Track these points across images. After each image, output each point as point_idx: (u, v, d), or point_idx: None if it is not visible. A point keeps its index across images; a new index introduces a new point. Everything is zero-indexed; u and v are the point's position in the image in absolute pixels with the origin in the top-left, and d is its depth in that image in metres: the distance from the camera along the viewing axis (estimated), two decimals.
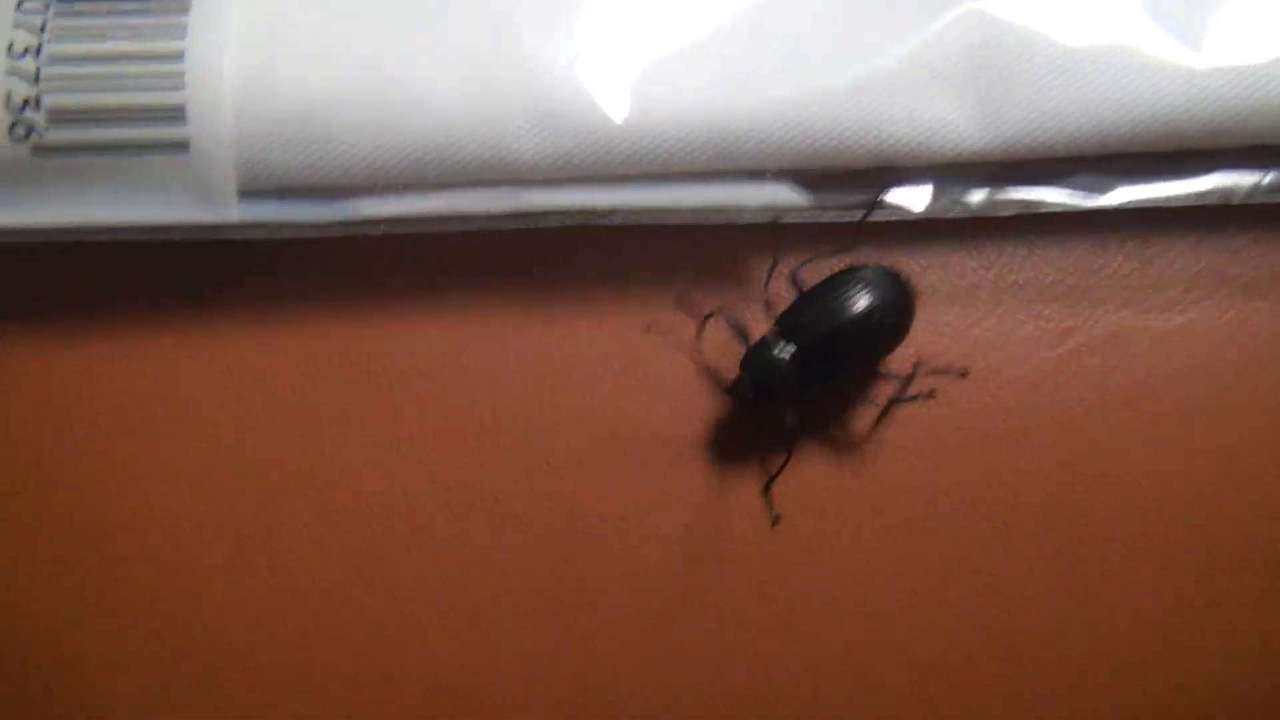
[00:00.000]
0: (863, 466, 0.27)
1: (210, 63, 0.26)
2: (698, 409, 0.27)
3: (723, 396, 0.27)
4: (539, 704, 0.26)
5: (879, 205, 0.27)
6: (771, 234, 0.27)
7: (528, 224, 0.27)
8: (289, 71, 0.26)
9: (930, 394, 0.27)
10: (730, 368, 0.27)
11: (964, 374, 0.27)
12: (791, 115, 0.26)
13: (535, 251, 0.28)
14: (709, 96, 0.26)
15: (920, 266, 0.28)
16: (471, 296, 0.28)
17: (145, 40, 0.26)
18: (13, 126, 0.25)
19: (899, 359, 0.27)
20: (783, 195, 0.26)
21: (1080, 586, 0.26)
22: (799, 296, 0.26)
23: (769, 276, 0.27)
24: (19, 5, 0.26)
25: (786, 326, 0.26)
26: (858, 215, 0.27)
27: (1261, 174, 0.26)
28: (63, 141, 0.26)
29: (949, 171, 0.27)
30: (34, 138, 0.25)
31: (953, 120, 0.26)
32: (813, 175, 0.27)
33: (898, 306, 0.26)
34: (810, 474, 0.27)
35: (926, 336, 0.28)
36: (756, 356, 0.26)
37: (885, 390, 0.27)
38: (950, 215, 0.27)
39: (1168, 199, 0.27)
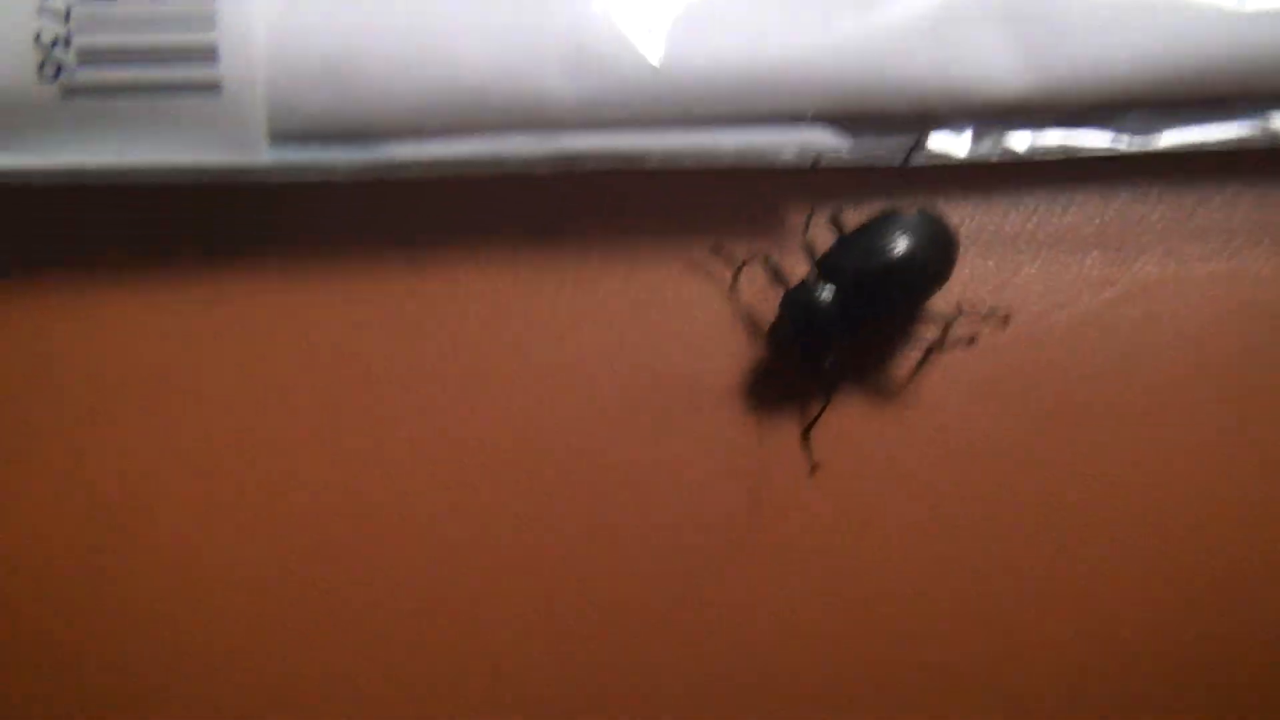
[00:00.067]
0: (903, 413, 0.27)
1: (242, 2, 0.25)
2: (735, 355, 0.27)
3: (760, 343, 0.27)
4: (571, 652, 0.25)
5: (920, 149, 0.26)
6: (810, 178, 0.27)
7: (562, 168, 0.26)
8: (321, 12, 0.25)
9: (971, 340, 0.27)
10: (767, 314, 0.27)
11: (1006, 320, 0.27)
12: (831, 57, 0.26)
13: (569, 197, 0.27)
14: (747, 38, 0.26)
15: (960, 216, 0.28)
16: (504, 243, 0.27)
17: None
18: (42, 65, 0.25)
19: (940, 305, 0.26)
20: (821, 139, 0.26)
21: (1131, 523, 0.26)
22: (839, 239, 0.26)
23: (808, 220, 0.26)
24: None
25: (827, 268, 0.26)
26: (898, 160, 0.26)
27: None
28: (92, 81, 0.25)
29: (990, 116, 0.26)
30: (63, 77, 0.25)
31: (994, 63, 0.26)
32: (852, 119, 0.26)
33: (939, 249, 0.26)
34: (850, 421, 0.26)
35: (967, 284, 0.27)
36: (797, 297, 0.25)
37: (926, 335, 0.27)
38: (991, 160, 0.26)
39: (1211, 143, 0.26)
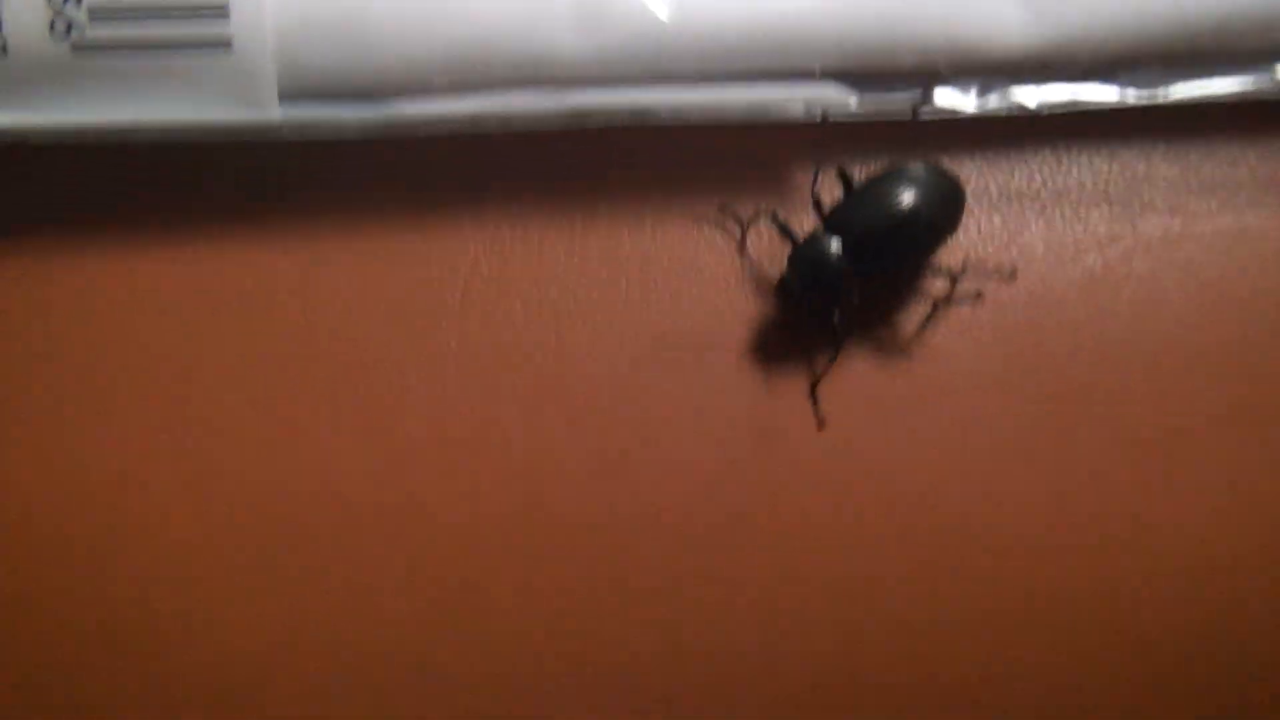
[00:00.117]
0: (910, 367, 0.27)
1: None
2: (743, 311, 0.27)
3: (768, 299, 0.27)
4: (584, 599, 0.25)
5: (927, 104, 0.26)
6: (818, 134, 0.27)
7: (572, 124, 0.26)
8: None
9: (978, 296, 0.27)
10: (775, 271, 0.27)
11: (1012, 276, 0.27)
12: (839, 13, 0.26)
13: (578, 155, 0.27)
14: None
15: (966, 174, 0.28)
16: (512, 200, 0.27)
17: None
18: (53, 23, 0.25)
19: (947, 261, 0.26)
20: (830, 95, 0.26)
21: (1137, 476, 0.26)
22: (847, 193, 0.26)
23: (816, 175, 0.26)
24: None
25: (835, 222, 0.25)
26: (905, 115, 0.26)
27: None
28: (104, 38, 0.25)
29: (997, 71, 0.26)
30: (75, 34, 0.25)
31: (1002, 19, 0.26)
32: (860, 75, 0.26)
33: (946, 201, 0.26)
34: (857, 375, 0.26)
35: (974, 242, 0.27)
36: (806, 250, 0.25)
37: (933, 291, 0.27)
38: (998, 114, 0.26)
39: (1218, 95, 0.26)
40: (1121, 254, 0.27)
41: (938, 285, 0.27)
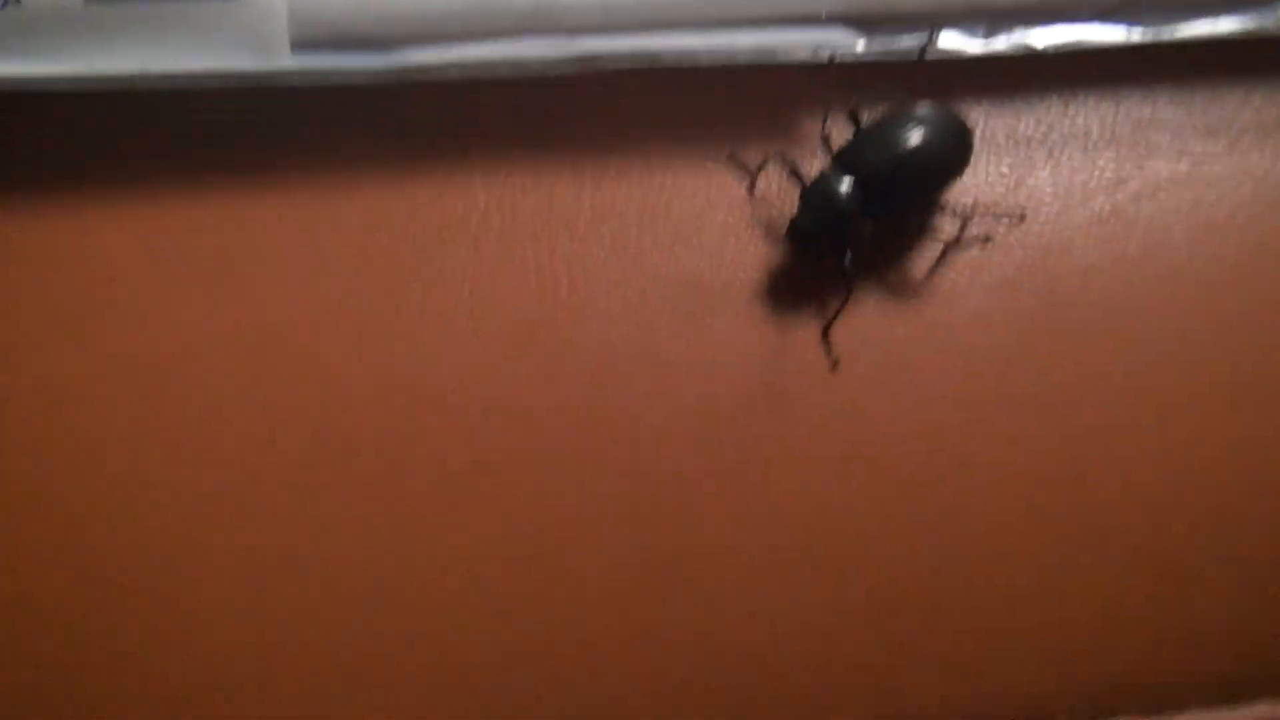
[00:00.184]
0: (920, 309, 0.26)
1: None
2: (754, 256, 0.27)
3: (778, 244, 0.27)
4: (595, 544, 0.25)
5: (933, 45, 0.26)
6: (826, 80, 0.27)
7: (580, 70, 0.26)
8: None
9: (987, 239, 0.27)
10: (785, 216, 0.27)
11: (1021, 219, 0.27)
12: None
13: (587, 103, 0.27)
14: None
15: (974, 120, 0.27)
16: (522, 149, 0.27)
17: None
18: None
19: (956, 203, 0.26)
20: (837, 38, 0.26)
21: (1145, 417, 0.26)
22: (856, 132, 0.26)
23: (826, 115, 0.26)
24: None
25: (844, 161, 0.25)
26: (911, 57, 0.26)
27: None
28: None
29: (1002, 12, 0.26)
30: None
31: None
32: (866, 17, 0.26)
33: (955, 140, 0.26)
34: (868, 318, 0.26)
35: (982, 186, 0.27)
36: (817, 189, 0.25)
37: (943, 234, 0.27)
38: (1005, 55, 0.26)
39: (1224, 33, 0.26)
40: (1129, 196, 0.27)
41: (947, 228, 0.27)
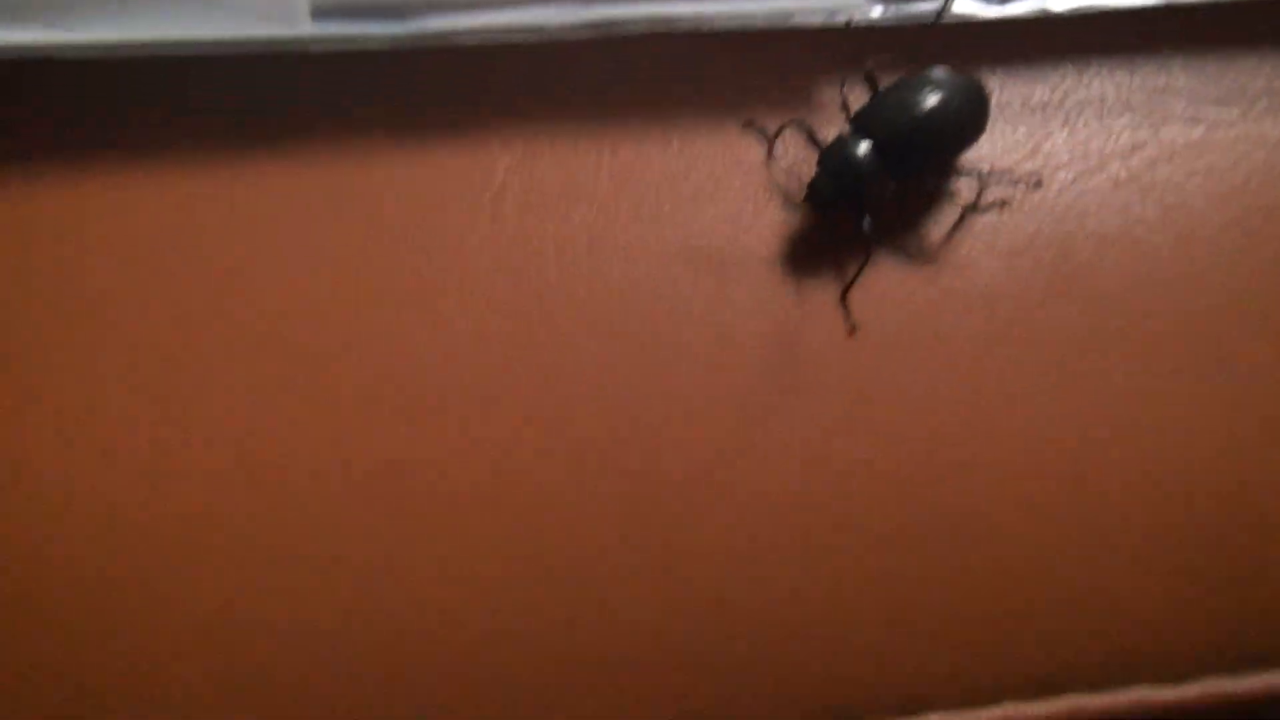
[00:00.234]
0: (938, 274, 0.26)
1: None
2: (772, 221, 0.27)
3: (796, 209, 0.27)
4: (613, 511, 0.25)
5: (948, 9, 0.26)
6: (843, 40, 0.27)
7: (598, 35, 0.26)
8: None
9: (1004, 204, 0.27)
10: (802, 182, 0.27)
11: (1037, 184, 0.27)
12: None
13: (606, 70, 0.27)
14: None
15: (990, 87, 0.27)
16: (541, 117, 0.27)
17: None
18: None
19: (973, 169, 0.26)
20: (853, 1, 0.26)
21: (1162, 382, 0.26)
22: (873, 96, 0.26)
23: (842, 79, 0.26)
24: None
25: (862, 124, 0.25)
26: (928, 20, 0.26)
27: None
28: None
29: None
30: None
31: None
32: None
33: (971, 102, 0.26)
34: (886, 282, 0.26)
35: (999, 152, 0.27)
36: (834, 152, 0.25)
37: (960, 199, 0.27)
38: (1020, 18, 0.26)
39: None
40: (1145, 162, 0.27)
41: (964, 194, 0.27)
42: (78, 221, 0.27)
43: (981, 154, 0.27)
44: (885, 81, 0.26)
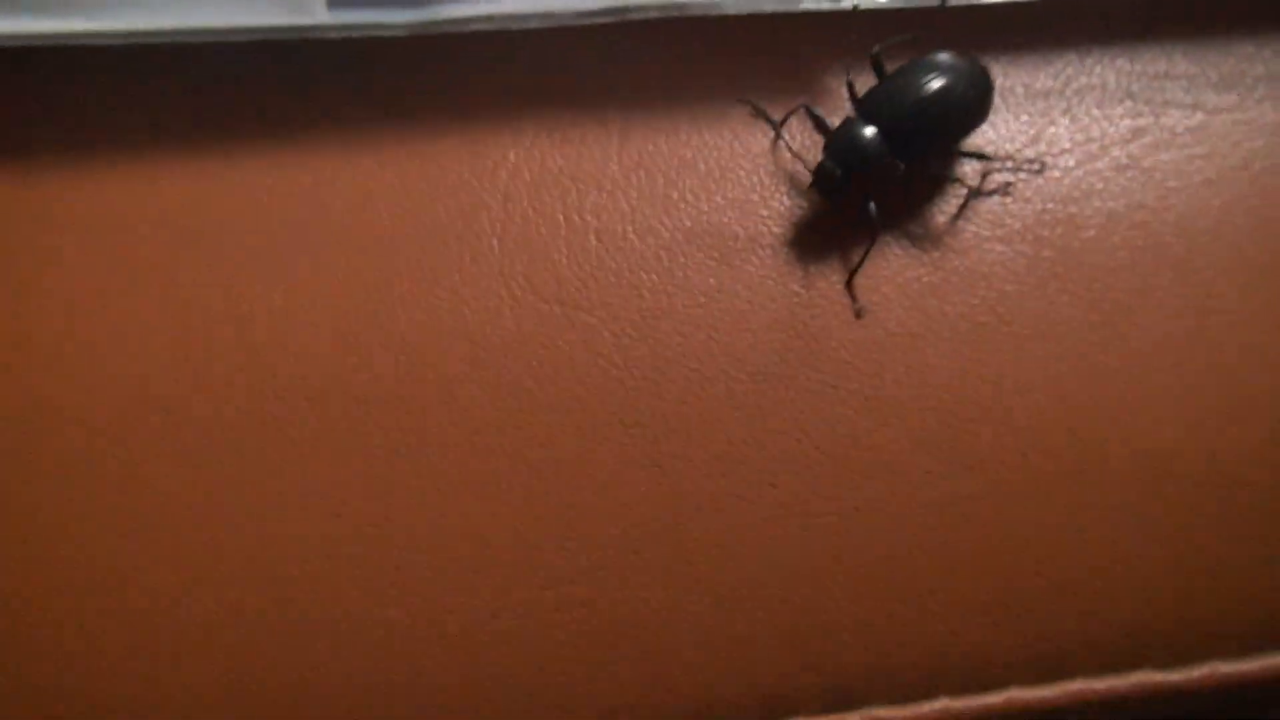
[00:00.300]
0: (943, 257, 0.27)
1: None
2: (779, 207, 0.27)
3: (803, 195, 0.27)
4: (620, 487, 0.25)
5: None
6: (850, 25, 0.27)
7: (610, 20, 0.26)
8: None
9: (1007, 188, 0.27)
10: (808, 169, 0.27)
11: (1040, 169, 0.27)
12: None
13: (615, 60, 0.28)
14: None
15: (993, 75, 0.28)
16: (551, 106, 0.27)
17: None
18: None
19: (978, 152, 0.27)
20: None
21: (1163, 361, 0.26)
22: (879, 80, 0.26)
23: (849, 64, 0.27)
24: None
25: (868, 108, 0.26)
26: (934, 3, 0.27)
27: None
28: None
29: None
30: None
31: None
32: None
33: (973, 85, 0.26)
34: (892, 267, 0.27)
35: (1003, 138, 0.27)
36: (841, 135, 0.25)
37: (963, 184, 0.27)
38: (1021, 0, 0.27)
39: None
40: (1146, 147, 0.28)
41: (968, 179, 0.27)
42: (81, 210, 0.27)
43: (985, 139, 0.27)
44: (891, 66, 0.26)
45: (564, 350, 0.26)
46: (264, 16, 0.26)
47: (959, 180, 0.27)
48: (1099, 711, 0.25)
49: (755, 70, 0.28)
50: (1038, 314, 0.26)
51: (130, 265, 0.26)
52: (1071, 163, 0.27)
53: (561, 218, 0.27)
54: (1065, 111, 0.28)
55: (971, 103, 0.26)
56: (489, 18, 0.26)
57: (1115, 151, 0.27)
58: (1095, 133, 0.28)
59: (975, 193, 0.27)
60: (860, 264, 0.26)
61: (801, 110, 0.27)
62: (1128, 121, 0.28)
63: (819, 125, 0.26)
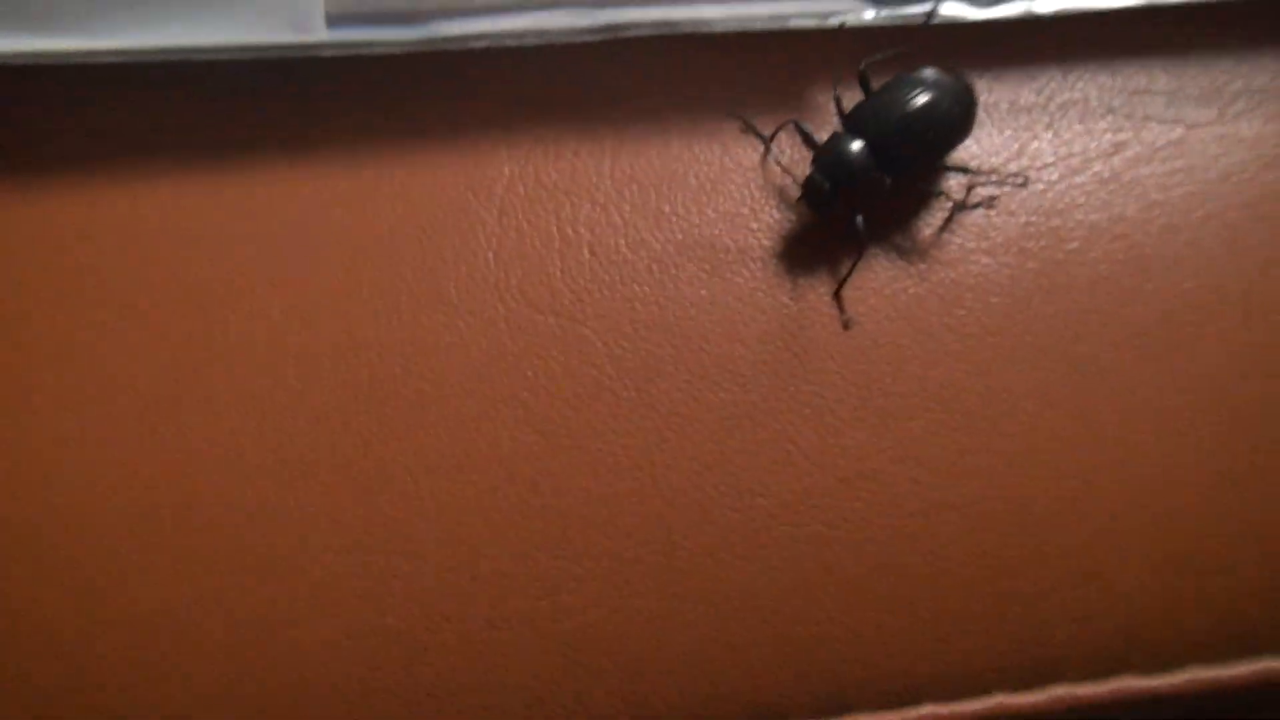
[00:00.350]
0: (929, 269, 0.27)
1: None
2: (769, 219, 0.27)
3: (793, 208, 0.27)
4: (614, 497, 0.26)
5: (937, 11, 0.27)
6: (836, 51, 0.27)
7: (603, 38, 0.27)
8: None
9: (992, 201, 0.27)
10: (797, 183, 0.27)
11: (1024, 183, 0.27)
12: None
13: (608, 77, 0.28)
14: None
15: (977, 91, 0.28)
16: (545, 122, 0.28)
17: None
18: None
19: (962, 166, 0.27)
20: (847, 5, 0.27)
21: (1145, 370, 0.26)
22: (865, 95, 0.26)
23: (836, 80, 0.27)
24: None
25: (855, 123, 0.26)
26: (918, 21, 0.27)
27: None
28: None
29: None
30: None
31: None
32: None
33: (957, 100, 0.26)
34: (879, 278, 0.27)
35: (987, 152, 0.28)
36: (829, 150, 0.26)
37: (949, 198, 0.27)
38: (1007, 20, 0.27)
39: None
40: (1127, 161, 0.28)
41: (953, 192, 0.27)
42: (83, 222, 0.27)
43: (970, 153, 0.28)
44: (878, 82, 0.27)
45: (558, 361, 0.26)
46: (265, 35, 0.26)
47: (944, 194, 0.27)
48: (1083, 716, 0.25)
49: (745, 86, 0.28)
50: (1022, 324, 0.27)
51: (127, 276, 0.27)
52: (1054, 176, 0.28)
53: (556, 231, 0.27)
54: (1048, 126, 0.28)
55: (956, 118, 0.26)
56: (485, 35, 0.26)
57: (1097, 165, 0.28)
58: (1077, 147, 0.28)
59: (960, 206, 0.27)
60: (848, 276, 0.26)
61: (790, 125, 0.27)
62: (1109, 136, 0.28)
63: (807, 140, 0.27)
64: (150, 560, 0.25)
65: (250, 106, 0.28)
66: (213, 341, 0.26)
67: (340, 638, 0.24)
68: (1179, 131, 0.28)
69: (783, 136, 0.27)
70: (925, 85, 0.26)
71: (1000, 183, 0.27)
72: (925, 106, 0.26)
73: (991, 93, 0.28)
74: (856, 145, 0.26)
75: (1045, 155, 0.28)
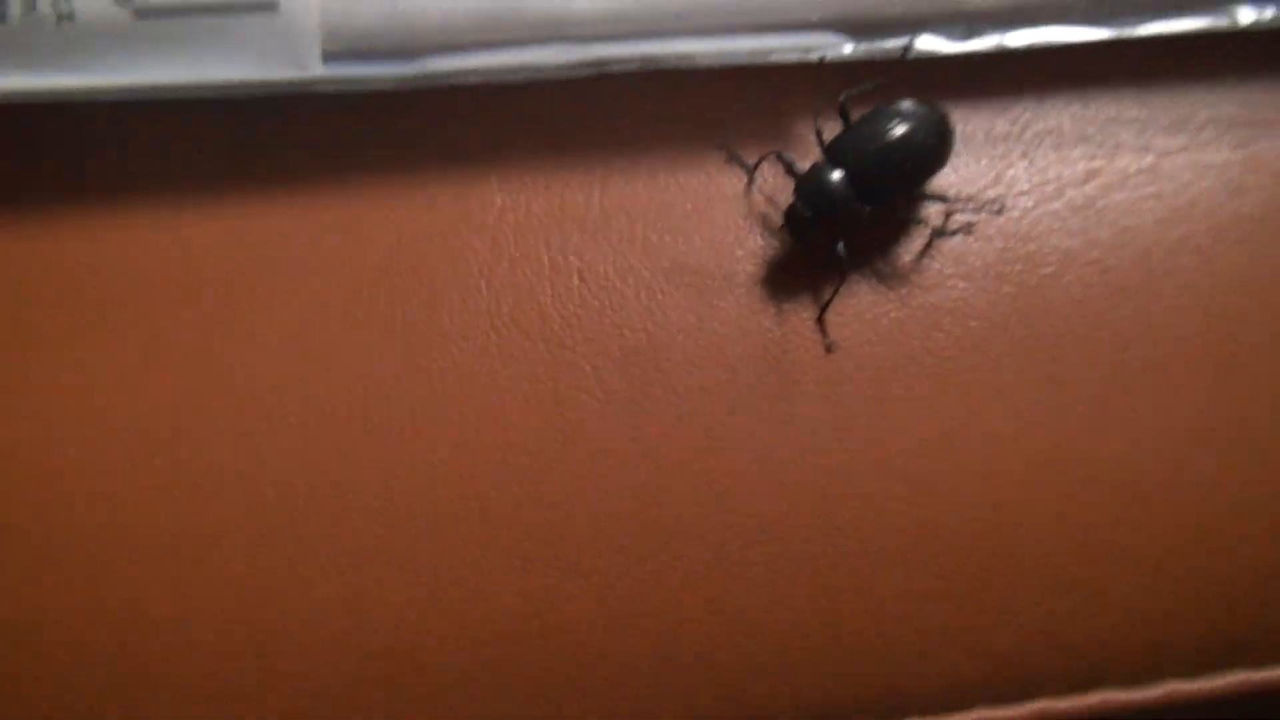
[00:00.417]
0: (909, 294, 0.28)
1: None
2: (753, 248, 0.28)
3: (776, 235, 0.28)
4: (600, 522, 0.26)
5: (913, 47, 0.28)
6: (816, 82, 0.28)
7: (590, 73, 0.27)
8: None
9: (969, 228, 0.28)
10: (780, 212, 0.28)
11: (1000, 210, 0.28)
12: None
13: (596, 110, 0.28)
14: None
15: (954, 122, 0.29)
16: (536, 155, 0.28)
17: None
18: None
19: (940, 194, 0.28)
20: (827, 41, 0.27)
21: (1120, 392, 0.27)
22: (845, 127, 0.27)
23: (817, 112, 0.28)
24: None
25: (833, 152, 0.27)
26: (896, 55, 0.28)
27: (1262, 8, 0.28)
28: (162, 4, 0.26)
29: (979, 15, 0.28)
30: (136, 0, 0.26)
31: None
32: (855, 22, 0.27)
33: (936, 132, 0.27)
34: (860, 303, 0.27)
35: (964, 181, 0.28)
36: (810, 179, 0.26)
37: (927, 225, 0.28)
38: (981, 53, 0.28)
39: (1180, 32, 0.28)
40: (1100, 188, 0.29)
41: (932, 219, 0.28)
42: (83, 262, 0.27)
43: (948, 182, 0.28)
44: (857, 114, 0.27)
45: (548, 385, 0.27)
46: (261, 71, 0.26)
47: (923, 221, 0.28)
48: None
49: (729, 118, 0.28)
50: (1000, 346, 0.27)
51: (124, 306, 0.27)
52: (1030, 203, 0.28)
53: (546, 259, 0.28)
54: (1023, 155, 0.29)
55: (933, 148, 0.27)
56: (477, 70, 0.27)
57: (1071, 192, 0.28)
58: (1052, 175, 0.29)
59: (939, 233, 0.28)
60: (830, 301, 0.27)
61: (773, 156, 0.27)
62: (1083, 164, 0.29)
63: (789, 170, 0.27)
64: (152, 575, 0.25)
65: (244, 139, 0.28)
66: (210, 366, 0.27)
67: (335, 655, 0.25)
68: (1150, 159, 0.29)
69: (766, 166, 0.28)
70: (903, 116, 0.27)
71: (977, 210, 0.28)
72: (903, 137, 0.26)
73: (968, 123, 0.29)
74: (837, 175, 0.26)
75: (1021, 183, 0.28)
